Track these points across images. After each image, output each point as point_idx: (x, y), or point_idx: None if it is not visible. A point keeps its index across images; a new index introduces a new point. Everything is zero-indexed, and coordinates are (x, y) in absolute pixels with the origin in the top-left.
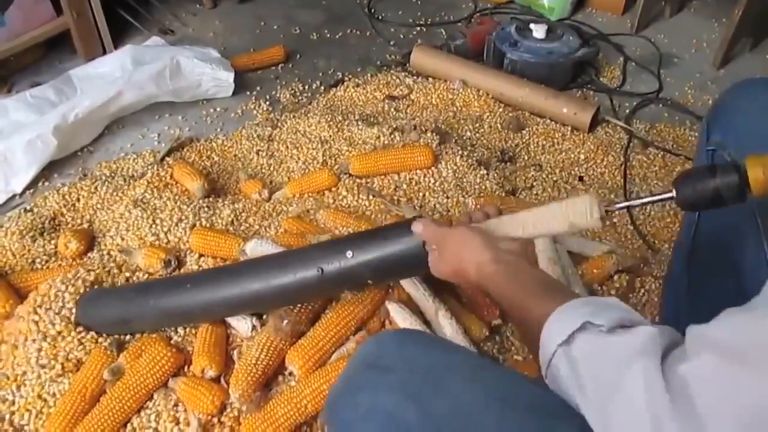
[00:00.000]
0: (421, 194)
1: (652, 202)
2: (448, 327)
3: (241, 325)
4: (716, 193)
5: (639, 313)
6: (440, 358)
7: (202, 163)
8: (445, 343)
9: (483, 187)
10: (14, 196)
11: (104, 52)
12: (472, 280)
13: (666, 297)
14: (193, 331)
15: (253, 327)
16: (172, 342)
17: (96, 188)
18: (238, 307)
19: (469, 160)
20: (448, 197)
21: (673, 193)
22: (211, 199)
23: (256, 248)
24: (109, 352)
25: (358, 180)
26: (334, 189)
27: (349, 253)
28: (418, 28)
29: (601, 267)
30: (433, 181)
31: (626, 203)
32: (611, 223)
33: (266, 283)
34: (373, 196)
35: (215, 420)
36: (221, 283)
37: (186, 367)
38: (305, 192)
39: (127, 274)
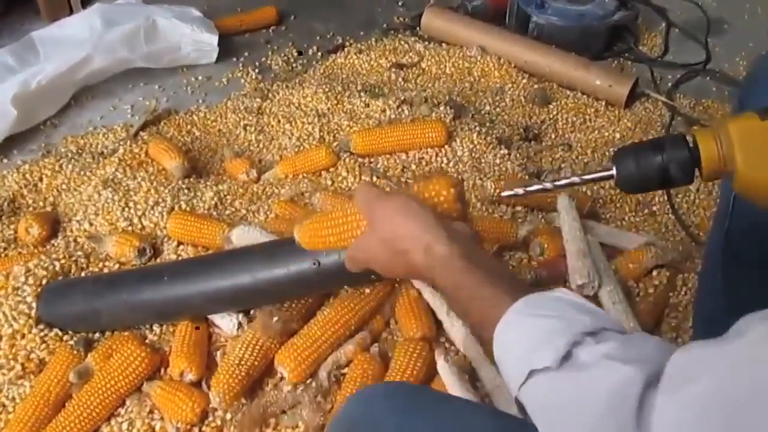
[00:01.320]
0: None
1: (582, 182)
2: (460, 329)
3: (226, 322)
4: (664, 172)
5: (680, 314)
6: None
7: (182, 139)
8: (446, 403)
9: (503, 169)
10: None
11: (71, 12)
12: (416, 264)
13: (700, 295)
14: (171, 329)
15: (239, 325)
16: (147, 341)
17: (61, 167)
18: (222, 303)
19: (488, 138)
20: (463, 180)
21: (613, 171)
22: (191, 179)
23: (242, 236)
24: (75, 352)
25: (360, 159)
26: (332, 169)
27: None
28: None
29: (638, 261)
30: (446, 161)
31: (530, 188)
32: (650, 212)
33: (254, 276)
34: (378, 177)
35: (196, 429)
36: (203, 275)
37: (163, 370)
38: (299, 172)
39: (97, 264)
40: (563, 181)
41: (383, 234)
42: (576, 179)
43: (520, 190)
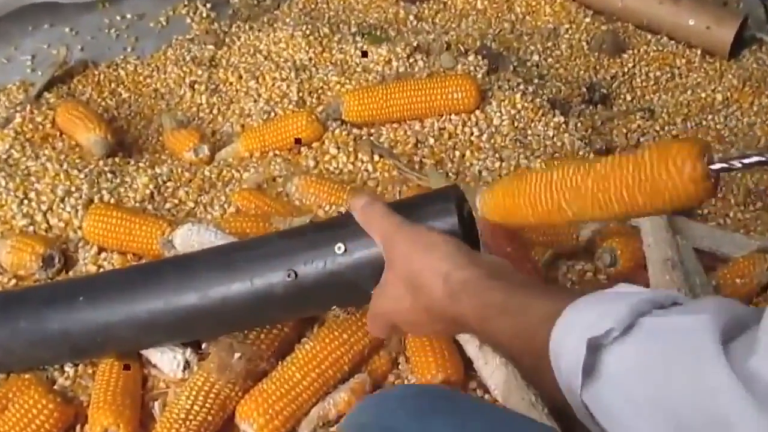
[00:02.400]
0: (457, 153)
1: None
2: (498, 368)
3: (167, 360)
4: None
5: None
6: None
7: (104, 103)
8: (469, 406)
9: (558, 144)
10: None
11: None
12: (438, 300)
13: None
14: (90, 370)
15: (186, 364)
16: (56, 386)
17: None
18: (161, 333)
19: (537, 101)
20: (501, 159)
21: None
22: (117, 159)
23: (189, 238)
24: None
25: (355, 130)
26: (316, 144)
27: (339, 247)
28: None
29: (748, 274)
30: (477, 132)
31: (748, 159)
32: (765, 206)
33: (205, 294)
34: (380, 156)
35: None
36: (134, 294)
37: (79, 428)
38: (269, 149)
39: None
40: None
41: (401, 272)
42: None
43: (737, 163)
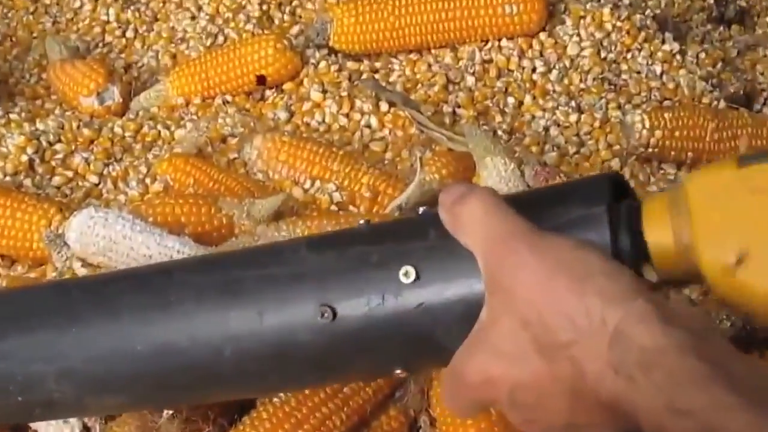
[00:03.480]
0: (511, 101)
1: None
2: None
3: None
4: None
5: None
6: None
7: None
8: None
9: (670, 86)
10: None
11: None
12: (594, 371)
13: None
14: None
15: None
16: None
17: None
18: (110, 393)
19: (636, 18)
20: (580, 109)
21: None
22: None
23: (91, 231)
24: None
25: (350, 64)
26: (289, 86)
27: (406, 272)
28: None
29: None
30: (542, 67)
31: None
32: None
33: (188, 336)
34: (390, 103)
35: None
36: (6, 333)
37: None
38: (216, 93)
39: None
40: None
41: (524, 313)
42: None
43: None
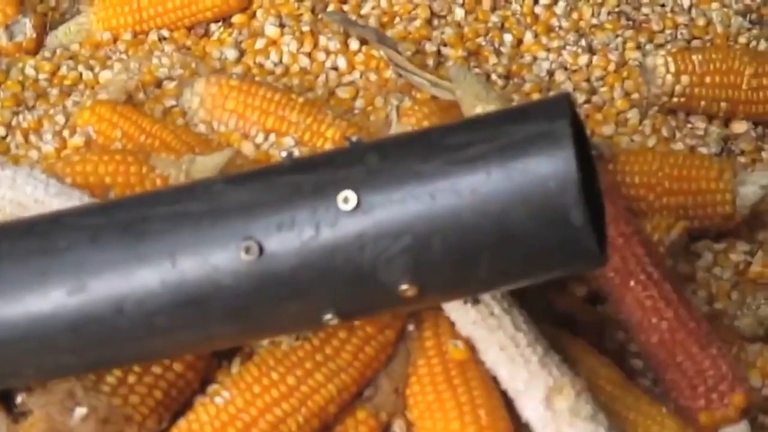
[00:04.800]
0: (508, 39)
1: None
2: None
3: None
4: None
5: None
6: None
7: None
8: None
9: (701, 23)
10: None
11: None
12: None
13: None
14: None
15: None
16: None
17: None
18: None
19: None
20: (591, 49)
21: None
22: None
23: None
24: None
25: None
26: (238, 18)
27: (345, 198)
28: None
29: None
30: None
31: None
32: None
33: (82, 287)
34: (362, 40)
35: None
36: None
37: None
38: (149, 26)
39: None
40: None
41: None
42: None
43: None
